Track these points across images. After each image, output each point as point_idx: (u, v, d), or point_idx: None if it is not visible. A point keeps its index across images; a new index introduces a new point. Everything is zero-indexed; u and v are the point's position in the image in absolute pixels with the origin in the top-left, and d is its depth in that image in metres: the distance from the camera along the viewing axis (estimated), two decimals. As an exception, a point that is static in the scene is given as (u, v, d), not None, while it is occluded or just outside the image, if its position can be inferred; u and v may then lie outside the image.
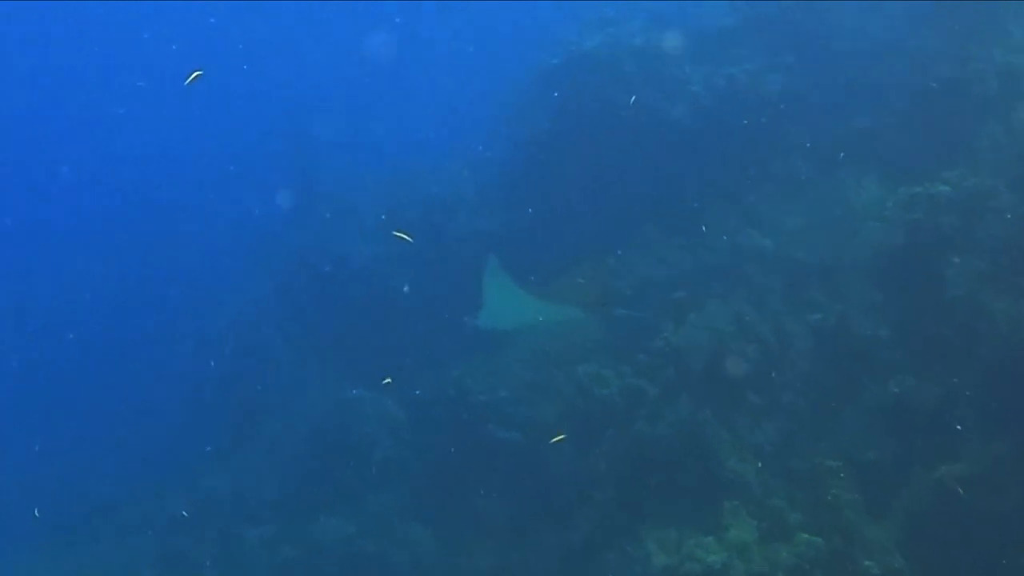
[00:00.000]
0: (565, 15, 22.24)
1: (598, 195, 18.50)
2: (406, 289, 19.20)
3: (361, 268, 20.72)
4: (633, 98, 18.58)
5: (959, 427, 12.76)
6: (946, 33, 17.41)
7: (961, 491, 12.01)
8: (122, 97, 39.11)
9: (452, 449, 16.97)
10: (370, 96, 34.04)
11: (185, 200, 31.10)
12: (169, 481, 20.18)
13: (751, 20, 19.79)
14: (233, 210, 28.23)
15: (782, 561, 12.10)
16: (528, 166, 19.85)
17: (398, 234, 15.67)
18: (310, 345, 20.57)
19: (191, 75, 14.40)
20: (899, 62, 17.75)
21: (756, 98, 18.51)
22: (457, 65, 33.91)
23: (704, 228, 17.53)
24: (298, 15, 41.64)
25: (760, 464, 13.75)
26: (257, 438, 19.76)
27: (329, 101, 32.85)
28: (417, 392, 18.01)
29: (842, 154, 17.22)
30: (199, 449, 20.21)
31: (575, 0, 22.42)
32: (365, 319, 19.52)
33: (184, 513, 18.40)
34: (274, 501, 18.28)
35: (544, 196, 19.09)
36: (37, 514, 18.82)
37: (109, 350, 26.06)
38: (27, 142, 38.30)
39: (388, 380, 17.16)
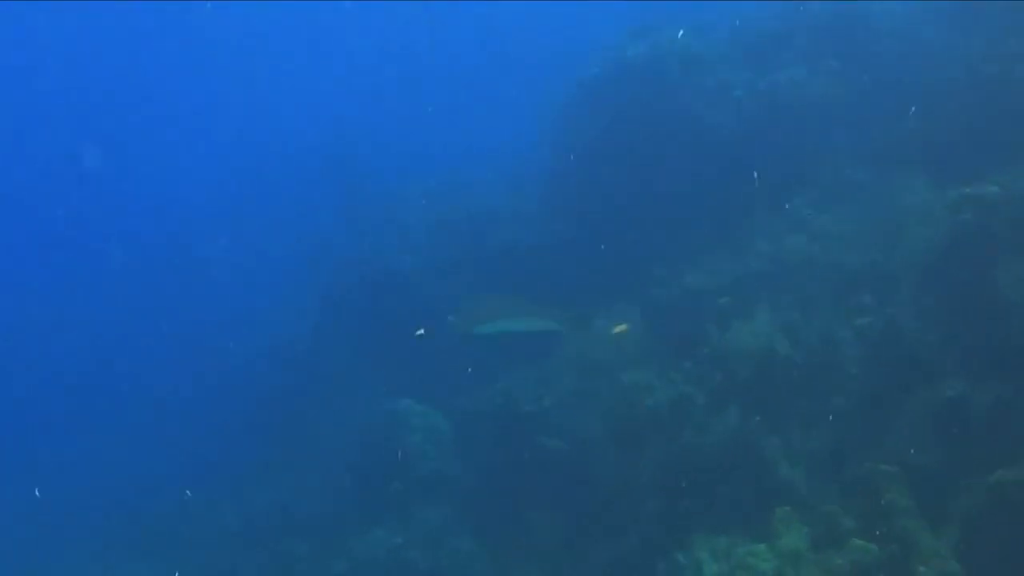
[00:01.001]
0: (608, 23, 22.17)
1: (642, 203, 18.39)
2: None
3: (406, 279, 20.74)
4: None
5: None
6: (993, 32, 17.16)
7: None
8: (169, 105, 39.64)
9: (499, 460, 16.94)
10: (414, 106, 34.23)
11: (231, 213, 31.37)
12: (219, 495, 20.25)
13: (795, 25, 19.71)
14: (278, 223, 28.44)
15: (836, 568, 11.86)
16: (572, 175, 19.82)
17: None
18: (357, 357, 20.59)
19: None
20: (946, 63, 17.56)
21: (801, 103, 18.42)
22: (501, 76, 33.99)
23: (750, 235, 17.45)
24: (342, 26, 41.93)
25: (811, 471, 13.57)
26: (305, 451, 19.81)
27: (373, 112, 33.07)
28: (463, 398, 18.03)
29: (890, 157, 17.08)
30: (248, 461, 20.36)
31: (618, 8, 22.37)
32: (411, 330, 19.53)
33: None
34: (323, 514, 18.34)
35: (589, 204, 19.05)
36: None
37: (156, 364, 26.25)
38: (72, 147, 38.87)
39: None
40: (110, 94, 42.15)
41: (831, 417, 14.10)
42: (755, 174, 17.42)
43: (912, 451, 13.18)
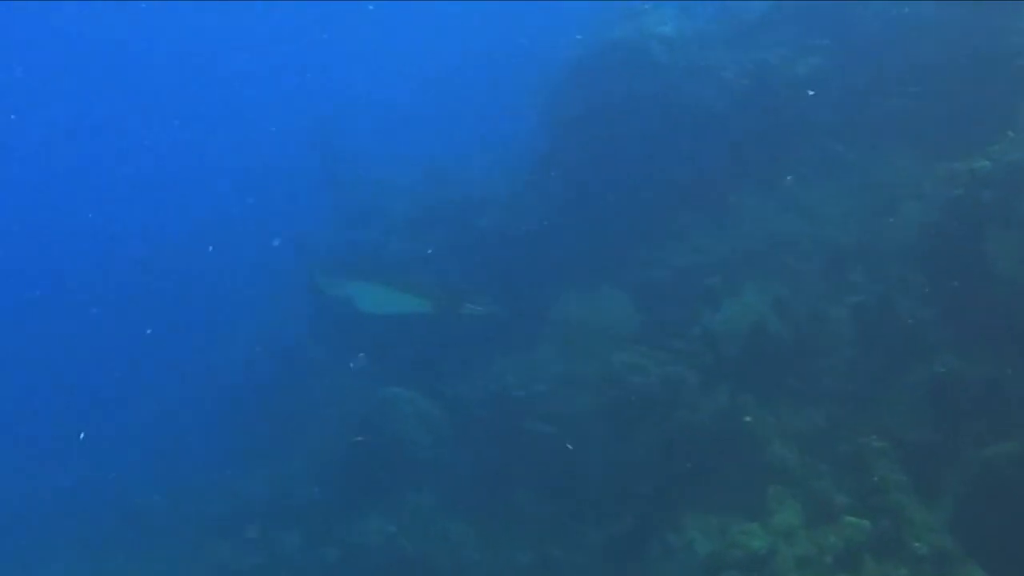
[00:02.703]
0: (594, 5, 21.96)
1: (630, 184, 18.27)
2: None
3: (394, 267, 20.58)
4: None
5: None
6: (979, 8, 17.03)
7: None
8: (162, 101, 39.53)
9: (491, 445, 16.86)
10: (399, 93, 34.09)
11: (219, 203, 31.25)
12: (208, 485, 20.10)
13: (781, 5, 19.53)
14: (266, 213, 28.29)
15: (829, 544, 11.84)
16: (560, 158, 19.67)
17: None
18: (346, 345, 20.42)
19: None
20: (934, 39, 17.40)
21: (789, 81, 18.22)
22: (486, 59, 33.78)
23: (739, 215, 17.38)
24: (325, 13, 41.80)
25: (804, 448, 13.50)
26: (295, 440, 19.68)
27: (358, 100, 32.88)
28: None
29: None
30: (238, 452, 20.24)
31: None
32: (400, 317, 19.40)
33: None
34: (315, 503, 18.16)
35: (576, 187, 18.89)
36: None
37: (146, 353, 26.06)
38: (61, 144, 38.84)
39: None
40: (93, 86, 42.14)
41: (823, 394, 14.04)
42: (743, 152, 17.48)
43: (905, 427, 13.13)
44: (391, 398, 18.25)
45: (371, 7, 39.85)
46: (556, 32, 23.35)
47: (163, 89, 41.06)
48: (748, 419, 13.84)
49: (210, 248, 28.45)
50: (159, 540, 19.45)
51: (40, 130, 40.33)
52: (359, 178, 24.66)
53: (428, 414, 18.09)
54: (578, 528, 15.12)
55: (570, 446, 15.28)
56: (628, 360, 15.53)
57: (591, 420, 15.65)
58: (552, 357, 17.11)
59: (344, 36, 40.85)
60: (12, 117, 39.09)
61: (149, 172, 35.94)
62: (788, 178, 17.45)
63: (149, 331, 26.71)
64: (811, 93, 17.93)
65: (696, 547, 12.78)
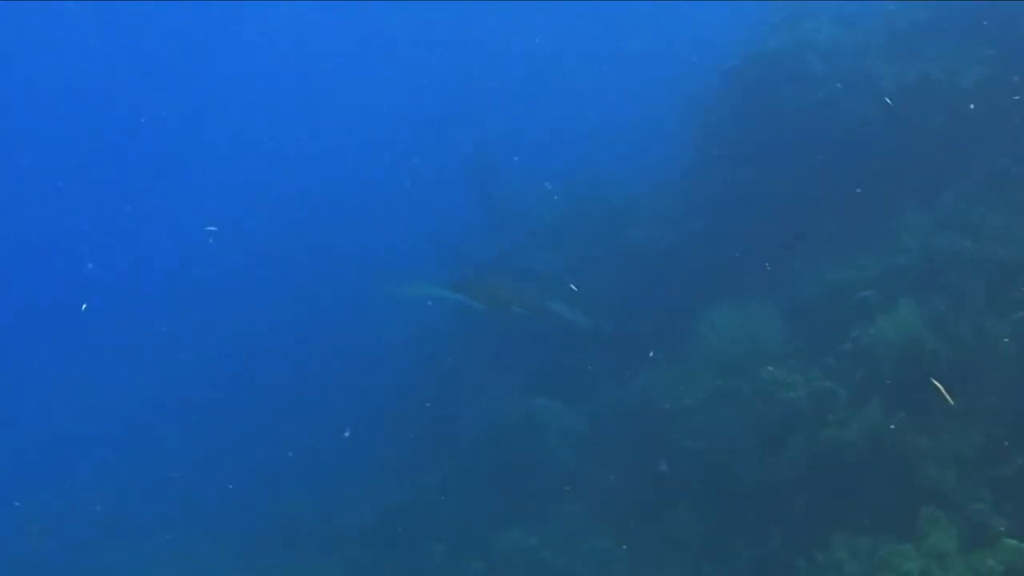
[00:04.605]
0: (746, 15, 21.67)
1: (782, 196, 17.94)
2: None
3: (541, 277, 20.59)
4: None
5: None
6: None
7: None
8: (302, 106, 40.44)
9: (637, 459, 16.70)
10: (548, 102, 34.18)
11: (365, 213, 31.68)
12: (354, 494, 20.34)
13: (945, 14, 18.92)
14: (412, 224, 28.58)
15: (987, 569, 11.27)
16: (710, 169, 19.49)
17: None
18: (490, 354, 20.53)
19: None
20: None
21: (951, 93, 17.56)
22: (636, 68, 33.73)
23: (896, 230, 16.82)
24: (474, 21, 42.22)
25: (960, 469, 12.94)
26: (439, 449, 19.81)
27: (506, 110, 33.09)
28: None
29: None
30: (384, 461, 20.46)
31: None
32: (545, 328, 19.36)
33: None
34: (458, 513, 18.27)
35: (727, 199, 18.68)
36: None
37: (291, 364, 26.46)
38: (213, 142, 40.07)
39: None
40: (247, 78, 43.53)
41: (982, 413, 13.45)
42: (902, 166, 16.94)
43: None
44: (535, 408, 18.29)
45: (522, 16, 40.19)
46: (707, 41, 23.12)
47: (314, 85, 42.16)
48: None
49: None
50: (307, 549, 19.72)
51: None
52: (508, 189, 24.77)
53: (573, 425, 18.09)
54: (726, 545, 14.83)
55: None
56: (778, 375, 15.18)
57: (740, 436, 15.31)
58: (700, 370, 16.79)
59: (494, 42, 41.20)
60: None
61: (306, 177, 36.77)
62: (949, 193, 16.85)
63: (291, 338, 27.29)
64: (972, 106, 17.30)
65: (845, 568, 12.32)
